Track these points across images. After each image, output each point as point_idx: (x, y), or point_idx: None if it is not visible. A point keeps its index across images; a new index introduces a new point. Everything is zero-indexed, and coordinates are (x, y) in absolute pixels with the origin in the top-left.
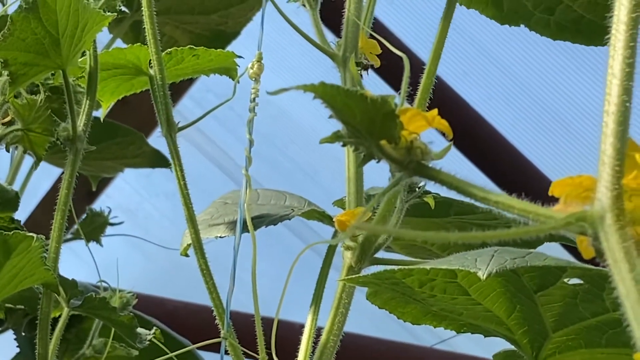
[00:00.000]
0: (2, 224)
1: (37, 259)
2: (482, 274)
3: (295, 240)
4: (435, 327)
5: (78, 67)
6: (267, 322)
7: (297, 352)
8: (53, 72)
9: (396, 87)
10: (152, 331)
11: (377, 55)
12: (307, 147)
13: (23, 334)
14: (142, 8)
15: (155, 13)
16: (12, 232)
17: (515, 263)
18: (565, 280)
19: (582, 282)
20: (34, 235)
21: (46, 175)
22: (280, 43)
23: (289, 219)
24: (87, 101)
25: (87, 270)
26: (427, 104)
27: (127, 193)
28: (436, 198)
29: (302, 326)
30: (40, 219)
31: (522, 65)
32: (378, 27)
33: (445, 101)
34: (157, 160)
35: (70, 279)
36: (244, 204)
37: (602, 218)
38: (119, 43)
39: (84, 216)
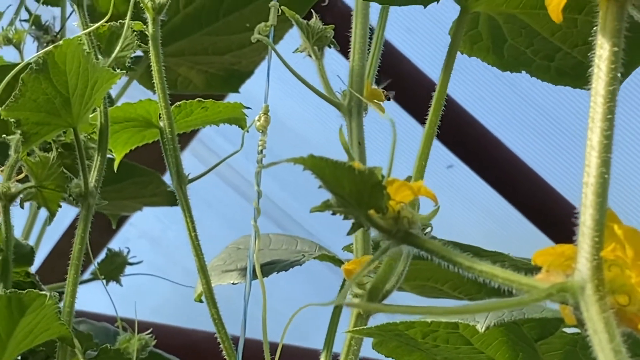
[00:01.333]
0: (18, 278)
1: (52, 314)
2: (480, 327)
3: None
4: None
5: (89, 124)
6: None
7: None
8: (64, 130)
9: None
10: None
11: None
12: None
13: None
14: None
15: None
16: (26, 290)
17: (512, 316)
18: (564, 329)
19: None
20: (47, 293)
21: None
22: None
23: (300, 265)
24: (99, 157)
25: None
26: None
27: (151, 221)
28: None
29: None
30: (56, 263)
31: (542, 91)
32: (393, 54)
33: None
34: (174, 199)
35: (85, 332)
36: (253, 253)
37: (582, 288)
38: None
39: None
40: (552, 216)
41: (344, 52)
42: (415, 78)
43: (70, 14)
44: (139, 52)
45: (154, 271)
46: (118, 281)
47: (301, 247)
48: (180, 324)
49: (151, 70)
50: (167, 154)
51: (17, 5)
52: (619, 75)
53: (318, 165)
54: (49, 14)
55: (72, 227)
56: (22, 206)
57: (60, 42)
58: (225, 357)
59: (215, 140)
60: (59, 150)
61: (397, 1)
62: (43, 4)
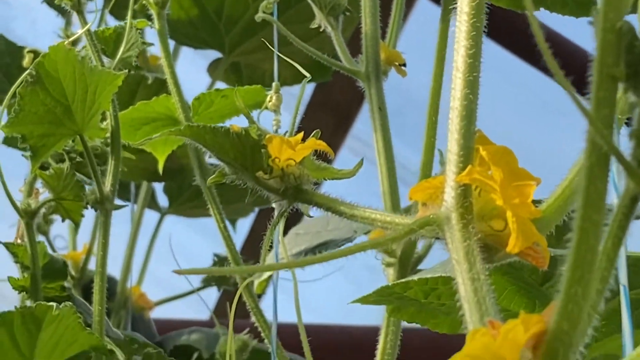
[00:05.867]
0: (54, 293)
1: (75, 325)
2: None
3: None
4: None
5: (99, 129)
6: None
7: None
8: (72, 138)
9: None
10: None
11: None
12: None
13: None
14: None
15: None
16: (36, 303)
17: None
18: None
19: None
20: (54, 304)
21: None
22: None
23: (351, 242)
24: (113, 161)
25: None
26: None
27: None
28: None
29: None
30: None
31: None
32: None
33: None
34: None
35: (128, 336)
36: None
37: (448, 219)
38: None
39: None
40: None
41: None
42: None
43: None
44: (218, 54)
45: None
46: (229, 287)
47: (357, 224)
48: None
49: (235, 70)
50: (189, 148)
51: None
52: None
53: (198, 134)
54: None
55: None
56: (46, 221)
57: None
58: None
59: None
60: (75, 159)
61: None
62: None
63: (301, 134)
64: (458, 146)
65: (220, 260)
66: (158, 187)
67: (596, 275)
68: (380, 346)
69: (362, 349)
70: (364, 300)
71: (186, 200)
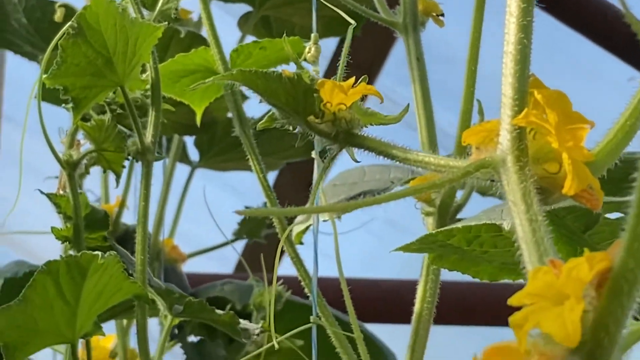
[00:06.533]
0: (96, 243)
1: (119, 273)
2: (506, 225)
3: None
4: (514, 281)
5: (139, 81)
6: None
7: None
8: (113, 90)
9: None
10: (259, 325)
11: None
12: None
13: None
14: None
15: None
16: (81, 252)
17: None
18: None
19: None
20: (99, 253)
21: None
22: None
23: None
24: (153, 112)
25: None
26: None
27: None
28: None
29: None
30: None
31: None
32: None
33: None
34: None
35: (167, 287)
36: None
37: (503, 161)
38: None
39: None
40: None
41: None
42: None
43: None
44: (248, 7)
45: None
46: (259, 238)
47: (394, 175)
48: None
49: (265, 24)
50: (228, 99)
51: None
52: None
53: (250, 78)
54: None
55: None
56: (87, 171)
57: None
58: (309, 295)
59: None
60: (116, 111)
61: None
62: None
63: (352, 79)
64: (513, 90)
65: None
66: (189, 141)
67: None
68: (419, 295)
69: (391, 301)
70: (407, 248)
71: (217, 154)
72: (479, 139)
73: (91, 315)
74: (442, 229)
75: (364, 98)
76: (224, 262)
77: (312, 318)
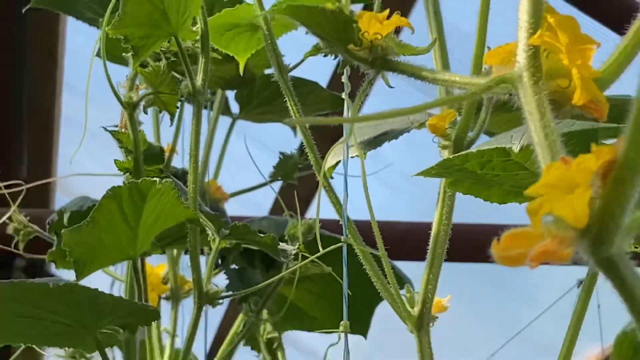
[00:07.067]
0: (154, 175)
1: (174, 200)
2: (515, 148)
3: None
4: (521, 204)
5: (190, 32)
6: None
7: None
8: (168, 39)
9: None
10: (296, 246)
11: None
12: None
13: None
14: None
15: None
16: (141, 179)
17: None
18: (605, 142)
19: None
20: (157, 179)
21: None
22: None
23: (408, 132)
24: (203, 59)
25: None
26: None
27: None
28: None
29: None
30: None
31: None
32: None
33: None
34: (337, 101)
35: (215, 213)
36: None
37: (520, 77)
38: None
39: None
40: None
41: None
42: None
43: None
44: None
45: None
46: (293, 181)
47: (413, 118)
48: None
49: None
50: (268, 49)
51: None
52: None
53: (297, 12)
54: None
55: None
56: (145, 112)
57: None
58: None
59: None
60: (170, 58)
61: None
62: None
63: (387, 11)
64: (528, 14)
65: (285, 158)
66: (230, 95)
67: None
68: (436, 218)
69: (406, 241)
70: (427, 172)
71: (255, 107)
72: (498, 60)
73: (149, 236)
74: (458, 154)
75: (398, 31)
76: (258, 209)
77: (342, 238)
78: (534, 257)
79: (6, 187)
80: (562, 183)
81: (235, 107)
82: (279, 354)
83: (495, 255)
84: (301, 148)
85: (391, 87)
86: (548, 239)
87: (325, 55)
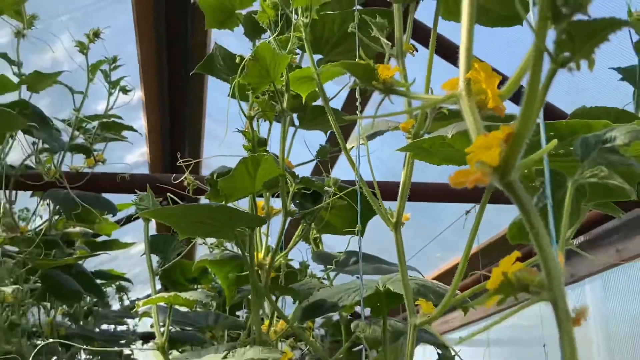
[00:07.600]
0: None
1: (273, 164)
2: (449, 135)
3: None
4: (447, 166)
5: (280, 80)
6: None
7: None
8: (269, 84)
9: None
10: (331, 189)
11: None
12: None
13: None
14: None
15: None
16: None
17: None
18: None
19: None
20: (265, 154)
21: None
22: None
23: (390, 130)
24: (286, 94)
25: None
26: None
27: None
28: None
29: None
30: None
31: None
32: None
33: None
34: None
35: (291, 172)
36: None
37: (461, 94)
38: None
39: None
40: None
41: None
42: None
43: None
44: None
45: None
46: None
47: (392, 124)
48: None
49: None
50: (318, 88)
51: None
52: None
53: (347, 66)
54: None
55: None
56: (257, 121)
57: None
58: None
59: None
60: (270, 94)
61: None
62: None
63: (395, 67)
64: (464, 63)
65: (322, 147)
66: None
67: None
68: (404, 173)
69: (389, 189)
70: (402, 149)
71: (307, 121)
72: (450, 86)
73: (260, 183)
74: (417, 139)
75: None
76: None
77: (356, 181)
78: (470, 182)
79: (183, 162)
80: (484, 145)
81: (296, 121)
82: (320, 245)
83: (450, 181)
84: (327, 142)
85: (392, 103)
86: (478, 172)
87: (361, 93)
